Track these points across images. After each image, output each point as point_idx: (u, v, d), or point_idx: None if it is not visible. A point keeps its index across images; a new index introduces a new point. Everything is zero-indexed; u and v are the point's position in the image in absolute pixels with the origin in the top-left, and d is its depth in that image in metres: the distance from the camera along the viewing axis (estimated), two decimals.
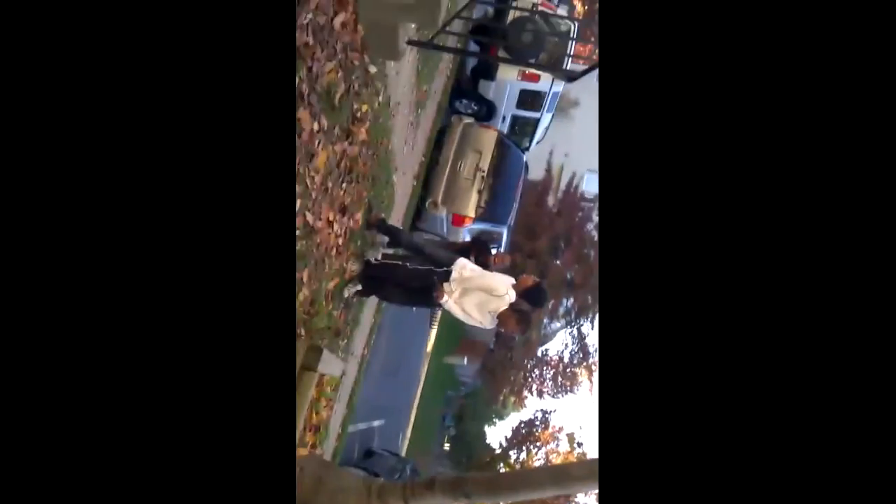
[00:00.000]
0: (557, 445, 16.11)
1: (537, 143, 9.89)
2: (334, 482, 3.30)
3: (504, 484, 3.29)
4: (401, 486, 3.30)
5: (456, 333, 18.26)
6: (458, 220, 6.89)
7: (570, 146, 16.55)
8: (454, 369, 20.21)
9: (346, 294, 3.91)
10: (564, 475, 2.95)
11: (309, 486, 3.21)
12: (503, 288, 3.61)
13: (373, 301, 5.51)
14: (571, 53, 5.10)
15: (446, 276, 3.66)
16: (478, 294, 3.63)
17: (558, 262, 12.86)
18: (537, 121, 9.08)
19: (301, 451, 3.13)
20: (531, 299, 3.90)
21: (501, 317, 3.64)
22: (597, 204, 14.52)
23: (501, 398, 18.24)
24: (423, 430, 14.82)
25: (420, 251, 4.11)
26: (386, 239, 4.40)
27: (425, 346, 12.37)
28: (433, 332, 12.74)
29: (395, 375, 9.28)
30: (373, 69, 3.38)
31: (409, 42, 3.39)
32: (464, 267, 3.71)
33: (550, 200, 14.08)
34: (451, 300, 3.60)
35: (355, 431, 6.60)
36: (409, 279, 3.85)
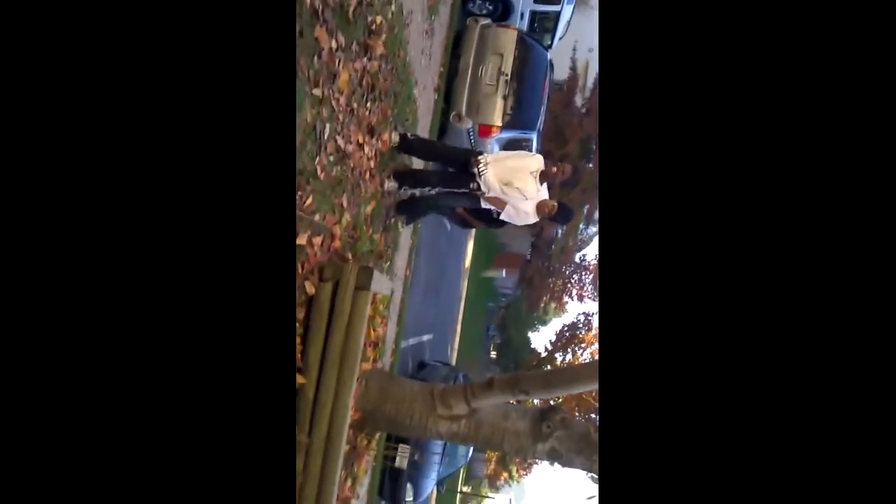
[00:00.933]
0: None
1: (560, 39, 9.27)
2: (398, 391, 3.54)
3: (558, 379, 3.45)
4: (461, 387, 3.50)
5: (492, 249, 18.43)
6: (486, 131, 6.67)
7: (593, 40, 15.47)
8: (493, 282, 20.64)
9: (387, 187, 3.91)
10: None
11: (375, 397, 3.46)
12: (535, 164, 3.71)
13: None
14: None
15: (479, 153, 3.77)
16: (510, 167, 3.69)
17: (590, 164, 12.47)
18: (558, 14, 8.44)
19: (365, 366, 3.33)
20: (559, 217, 3.90)
21: (539, 206, 3.71)
22: None
23: (542, 305, 18.66)
24: (469, 341, 15.47)
25: (454, 149, 4.14)
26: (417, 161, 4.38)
27: (463, 263, 12.57)
28: (470, 248, 12.89)
29: (438, 292, 9.56)
30: None
31: None
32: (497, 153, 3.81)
33: (578, 100, 13.42)
34: (487, 173, 3.64)
35: (407, 346, 6.93)
36: (445, 153, 4.03)
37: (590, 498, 4.11)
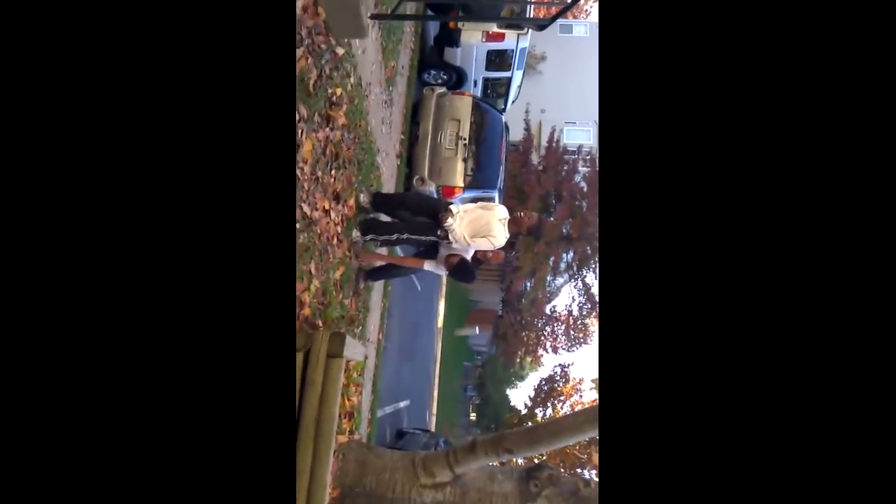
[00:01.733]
0: (581, 396, 16.42)
1: (512, 102, 9.80)
2: (378, 462, 3.38)
3: (543, 434, 3.37)
4: (444, 453, 3.38)
5: (464, 306, 18.38)
6: (449, 192, 6.86)
7: (544, 101, 16.42)
8: (467, 340, 20.44)
9: (353, 237, 3.97)
10: (596, 413, 3.03)
11: (354, 470, 3.28)
12: (502, 213, 3.92)
13: (379, 286, 5.53)
14: (532, 1, 5.01)
15: (447, 206, 3.90)
16: (478, 219, 3.86)
17: (552, 218, 12.86)
18: (509, 80, 8.97)
19: (341, 438, 3.18)
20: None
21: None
22: (580, 155, 14.48)
23: (518, 360, 18.50)
24: (447, 404, 15.06)
25: (427, 197, 4.24)
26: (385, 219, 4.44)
27: (436, 323, 12.46)
28: (441, 308, 12.83)
29: (413, 355, 9.38)
30: (341, 50, 3.32)
31: (373, 16, 3.32)
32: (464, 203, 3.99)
33: (535, 158, 14.01)
34: (455, 224, 3.79)
35: (384, 415, 6.69)
36: (418, 200, 4.16)
37: None
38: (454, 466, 3.31)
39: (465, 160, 7.02)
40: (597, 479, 3.73)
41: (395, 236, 4.14)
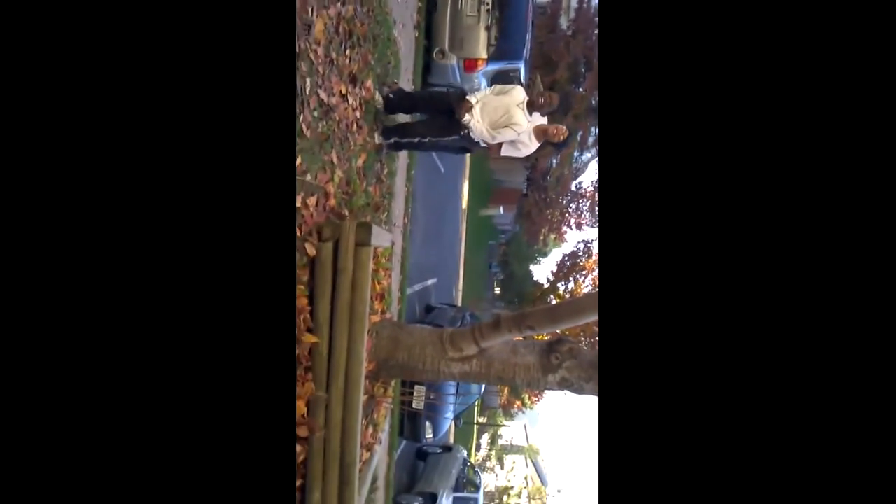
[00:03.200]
0: None
1: None
2: (409, 338, 3.62)
3: (563, 312, 3.51)
4: (469, 329, 3.58)
5: (488, 186, 18.26)
6: (471, 65, 6.43)
7: None
8: (492, 220, 20.64)
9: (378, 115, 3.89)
10: None
11: (387, 346, 3.54)
12: (518, 96, 3.67)
13: (402, 170, 5.47)
14: None
15: (464, 96, 3.68)
16: (497, 106, 3.65)
17: (581, 89, 12.12)
18: None
19: (373, 318, 3.39)
20: (561, 143, 3.89)
21: (536, 130, 3.69)
22: None
23: (542, 237, 18.74)
24: (473, 280, 15.68)
25: (439, 92, 4.05)
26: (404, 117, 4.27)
27: (460, 204, 12.52)
28: (465, 188, 12.79)
29: (439, 237, 9.58)
30: None
31: None
32: (480, 89, 3.79)
33: (563, 23, 12.83)
34: (474, 119, 3.63)
35: (413, 293, 7.03)
36: (430, 102, 3.96)
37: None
38: (479, 341, 3.52)
39: (488, 28, 6.47)
40: None
41: (417, 140, 4.03)
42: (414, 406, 6.47)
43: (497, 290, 23.60)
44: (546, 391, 21.09)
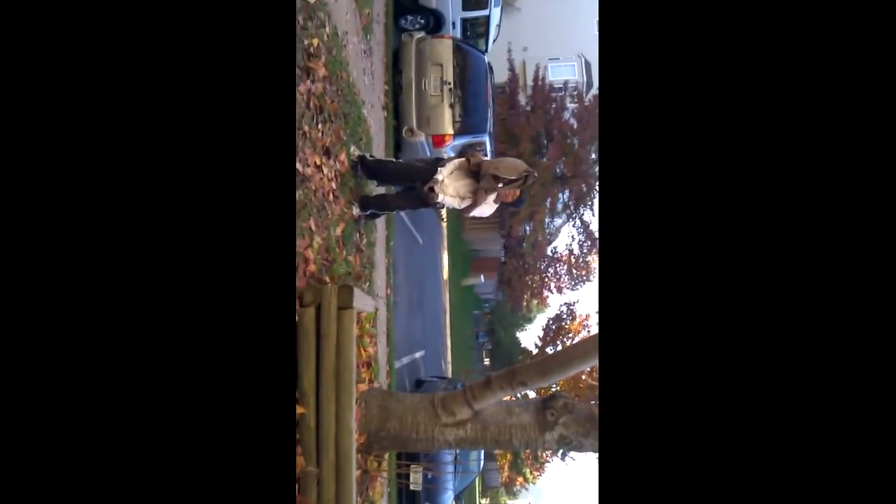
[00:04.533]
0: (588, 331, 16.76)
1: (493, 41, 9.50)
2: (399, 406, 3.49)
3: (553, 364, 3.46)
4: (461, 392, 3.48)
5: (467, 256, 18.49)
6: (439, 141, 6.75)
7: (525, 39, 15.88)
8: (474, 289, 20.69)
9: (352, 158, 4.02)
10: None
11: (377, 416, 3.40)
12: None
13: (382, 241, 5.54)
14: None
15: (434, 171, 3.91)
16: (463, 188, 3.89)
17: (545, 159, 12.72)
18: (487, 18, 8.66)
19: (361, 387, 3.28)
20: (518, 201, 4.18)
21: (497, 194, 3.91)
22: (567, 91, 14.12)
23: (524, 303, 18.77)
24: (461, 352, 15.41)
25: (411, 166, 4.27)
26: (377, 185, 4.47)
27: (441, 275, 12.57)
28: (445, 259, 12.91)
29: (422, 308, 9.51)
30: None
31: None
32: (450, 161, 3.99)
33: (522, 99, 13.70)
34: (442, 194, 3.85)
35: (401, 366, 6.86)
36: (402, 172, 4.17)
37: None
38: (472, 403, 3.41)
39: (451, 106, 6.86)
40: None
41: (394, 212, 4.25)
42: (412, 487, 6.09)
43: (486, 361, 23.20)
44: (547, 462, 20.19)
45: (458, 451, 6.42)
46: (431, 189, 3.85)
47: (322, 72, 3.31)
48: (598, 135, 12.68)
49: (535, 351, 16.73)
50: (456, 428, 3.43)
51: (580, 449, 3.53)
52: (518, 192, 4.00)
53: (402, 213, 5.16)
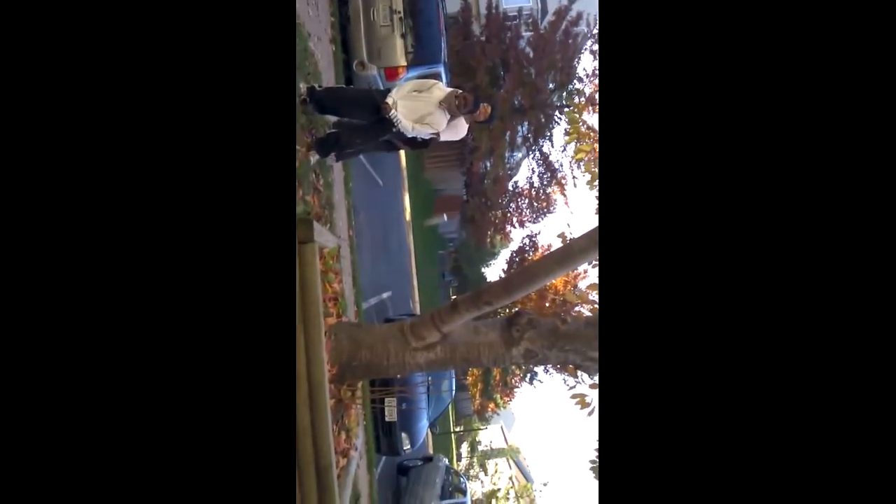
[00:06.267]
0: None
1: None
2: (368, 337, 3.58)
3: (517, 281, 3.58)
4: (429, 316, 3.59)
5: (429, 196, 18.40)
6: (392, 73, 6.53)
7: None
8: (437, 229, 20.79)
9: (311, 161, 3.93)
10: (567, 252, 3.20)
11: (348, 347, 3.49)
12: (437, 94, 3.80)
13: (340, 183, 5.45)
14: None
15: (385, 93, 3.80)
16: (416, 105, 3.78)
17: (502, 90, 12.52)
18: None
19: (329, 321, 3.34)
20: (490, 118, 4.08)
21: (459, 104, 3.79)
22: (522, 19, 13.73)
23: (489, 240, 19.04)
24: (428, 291, 15.68)
25: (363, 90, 4.15)
26: (332, 118, 4.31)
27: (404, 216, 12.54)
28: (406, 200, 12.84)
29: (387, 250, 9.54)
30: None
31: None
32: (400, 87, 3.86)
33: (476, 29, 13.26)
34: (398, 113, 3.73)
35: (369, 307, 6.96)
36: (354, 97, 4.04)
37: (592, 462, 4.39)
38: (440, 326, 3.53)
39: (403, 36, 6.60)
40: (573, 315, 4.05)
41: (355, 150, 4.15)
42: (387, 419, 6.36)
43: (454, 297, 23.74)
44: (516, 388, 21.26)
45: (429, 378, 6.69)
46: (387, 102, 3.71)
47: None
48: (555, 63, 12.49)
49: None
50: (426, 351, 3.55)
51: (545, 362, 3.72)
52: (488, 108, 3.93)
53: (362, 157, 5.05)
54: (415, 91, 3.85)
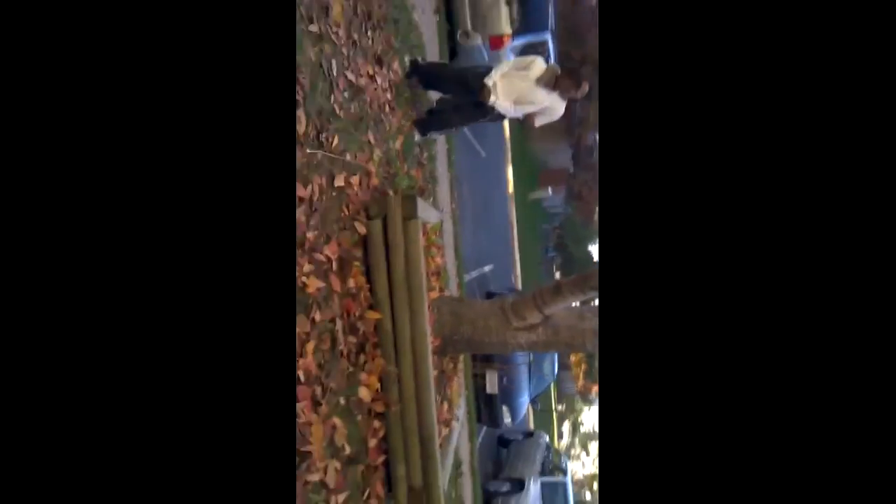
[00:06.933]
0: None
1: None
2: (470, 312, 3.58)
3: None
4: (531, 297, 3.50)
5: (533, 168, 17.96)
6: (497, 42, 6.36)
7: None
8: (542, 204, 20.29)
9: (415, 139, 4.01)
10: None
11: (450, 322, 3.52)
12: (536, 71, 3.70)
13: (443, 155, 5.46)
14: None
15: (484, 74, 3.73)
16: (514, 84, 3.70)
17: None
18: None
19: (432, 294, 3.38)
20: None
21: (557, 83, 3.69)
22: None
23: (595, 216, 18.23)
24: (530, 266, 15.45)
25: (466, 68, 4.13)
26: (435, 95, 4.33)
27: (506, 189, 12.37)
28: (510, 173, 12.63)
29: (489, 223, 9.50)
30: None
31: None
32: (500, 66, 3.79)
33: None
34: (498, 101, 3.69)
35: (471, 279, 7.00)
36: (457, 75, 4.06)
37: None
38: (542, 308, 3.42)
39: (509, 3, 6.38)
40: None
41: (453, 129, 4.31)
42: (488, 391, 6.42)
43: (557, 275, 23.20)
44: None
45: (531, 356, 6.61)
46: (485, 87, 3.66)
47: None
48: None
49: None
50: (527, 331, 3.48)
51: None
52: (586, 86, 3.74)
53: (465, 128, 5.09)
54: (514, 69, 3.76)
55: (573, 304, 3.56)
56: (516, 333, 3.50)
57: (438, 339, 3.37)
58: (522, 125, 4.74)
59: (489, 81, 3.68)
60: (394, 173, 3.31)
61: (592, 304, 4.16)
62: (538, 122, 3.98)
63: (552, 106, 3.80)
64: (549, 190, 18.18)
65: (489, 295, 8.04)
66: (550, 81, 3.66)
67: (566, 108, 3.92)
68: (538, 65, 3.74)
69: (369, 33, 3.15)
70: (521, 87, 3.68)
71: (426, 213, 3.09)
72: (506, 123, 10.86)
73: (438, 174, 5.14)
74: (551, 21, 7.11)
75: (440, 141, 5.29)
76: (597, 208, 17.26)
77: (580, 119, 12.62)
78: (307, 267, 2.08)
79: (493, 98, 3.67)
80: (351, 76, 2.79)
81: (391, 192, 3.00)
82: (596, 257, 22.02)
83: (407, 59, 4.04)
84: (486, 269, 8.39)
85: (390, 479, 2.69)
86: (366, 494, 2.40)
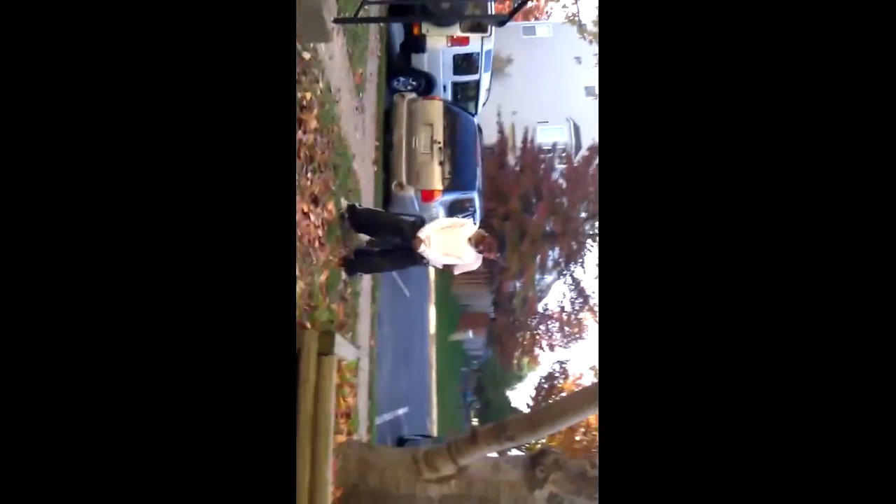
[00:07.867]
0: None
1: (483, 104, 9.89)
2: (379, 460, 3.36)
3: (544, 417, 3.38)
4: (445, 447, 3.37)
5: (455, 311, 18.35)
6: (428, 196, 6.89)
7: (514, 103, 16.58)
8: (462, 345, 20.40)
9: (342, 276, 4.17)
10: (596, 393, 3.05)
11: (355, 469, 3.26)
12: (468, 232, 4.22)
13: (367, 292, 5.52)
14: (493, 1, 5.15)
15: (419, 226, 4.21)
16: (447, 239, 4.17)
17: (534, 216, 12.96)
18: (477, 83, 9.07)
19: (339, 438, 3.16)
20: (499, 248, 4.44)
21: (482, 243, 4.20)
22: (556, 153, 14.63)
23: (515, 361, 18.47)
24: (448, 410, 14.96)
25: (399, 218, 4.46)
26: (365, 237, 4.58)
27: (428, 329, 12.42)
28: (432, 313, 12.80)
29: (407, 362, 9.32)
30: (306, 55, 3.35)
31: (336, 20, 3.36)
32: (432, 221, 4.36)
33: (511, 160, 14.15)
34: (427, 248, 4.09)
35: (383, 423, 6.63)
36: (390, 223, 4.49)
37: None
38: (457, 458, 3.29)
39: (441, 163, 7.06)
40: None
41: (382, 272, 4.73)
42: None
43: (475, 421, 22.52)
44: None
45: None
46: (418, 238, 3.99)
47: (314, 124, 3.42)
48: (588, 195, 13.00)
49: (527, 410, 16.29)
50: (439, 484, 3.28)
51: None
52: (497, 254, 4.31)
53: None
54: (448, 227, 4.31)
55: (489, 455, 3.45)
56: (427, 486, 3.29)
57: (340, 489, 3.07)
58: (444, 270, 5.14)
59: (422, 234, 4.01)
60: (314, 307, 3.29)
61: (508, 454, 4.04)
62: (457, 271, 4.48)
63: (473, 261, 4.27)
64: (470, 332, 18.47)
65: (401, 441, 7.59)
66: (479, 241, 4.20)
67: (487, 261, 4.34)
68: (469, 226, 4.33)
69: (309, 174, 3.35)
70: (452, 243, 4.17)
71: (342, 349, 3.03)
72: (430, 268, 11.33)
73: (361, 310, 5.13)
74: (479, 181, 7.87)
75: (365, 277, 5.39)
76: (516, 353, 17.56)
77: (501, 268, 13.43)
78: None
79: (424, 248, 4.05)
80: None
81: (308, 326, 2.95)
82: (514, 403, 21.82)
83: (344, 202, 4.27)
84: (401, 411, 8.04)
85: None
86: None
